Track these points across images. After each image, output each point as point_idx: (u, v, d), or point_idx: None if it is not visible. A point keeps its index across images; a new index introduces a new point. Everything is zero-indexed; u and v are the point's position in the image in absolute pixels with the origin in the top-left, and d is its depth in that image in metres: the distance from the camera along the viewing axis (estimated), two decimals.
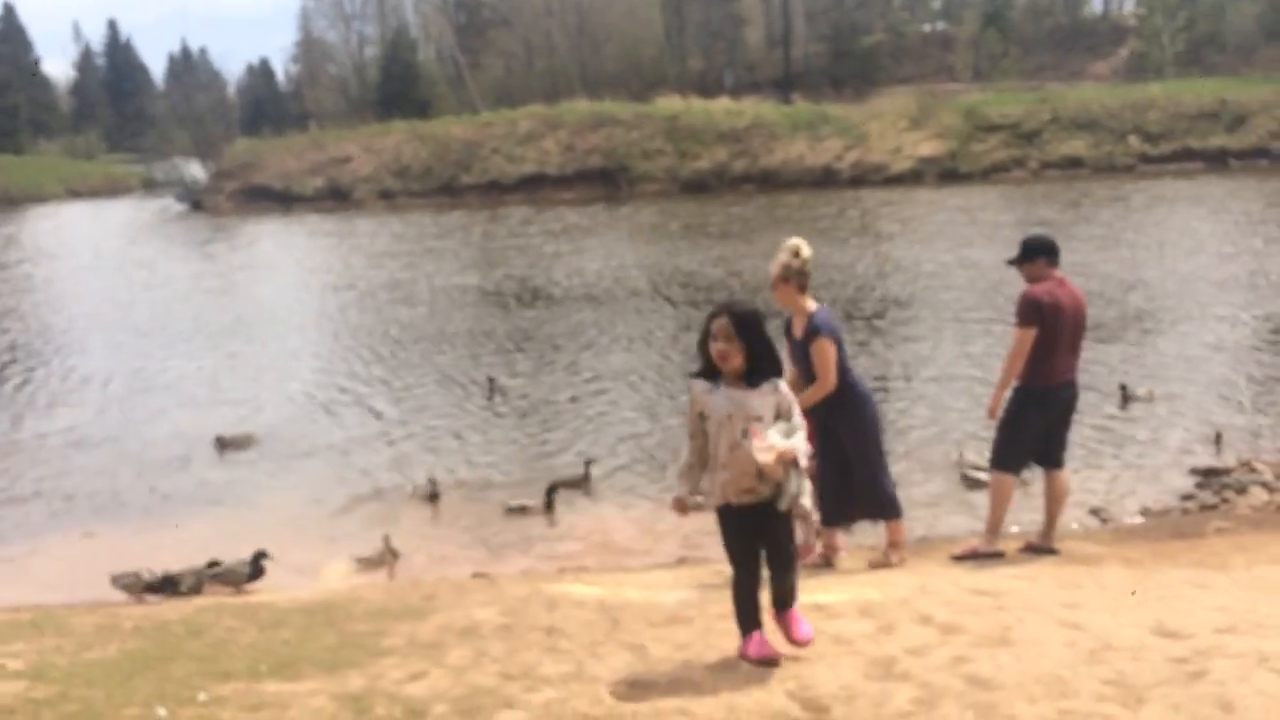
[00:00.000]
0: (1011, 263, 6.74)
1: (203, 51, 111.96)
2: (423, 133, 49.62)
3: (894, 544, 6.62)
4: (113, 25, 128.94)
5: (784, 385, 4.49)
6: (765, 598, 4.56)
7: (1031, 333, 6.39)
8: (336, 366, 15.70)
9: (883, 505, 6.56)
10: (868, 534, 7.48)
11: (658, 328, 17.22)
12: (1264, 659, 4.33)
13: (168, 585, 7.11)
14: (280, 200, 47.26)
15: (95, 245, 36.35)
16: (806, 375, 6.29)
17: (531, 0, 68.08)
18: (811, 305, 6.31)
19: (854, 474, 6.42)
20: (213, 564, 7.45)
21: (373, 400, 13.62)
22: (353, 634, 5.35)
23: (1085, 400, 8.02)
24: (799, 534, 5.91)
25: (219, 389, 14.72)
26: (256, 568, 7.25)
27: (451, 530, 9.17)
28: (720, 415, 4.40)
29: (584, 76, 62.63)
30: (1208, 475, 9.11)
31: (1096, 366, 12.62)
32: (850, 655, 4.61)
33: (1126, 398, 11.53)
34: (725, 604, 5.24)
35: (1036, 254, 6.59)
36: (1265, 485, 8.62)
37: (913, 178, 43.06)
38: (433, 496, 9.66)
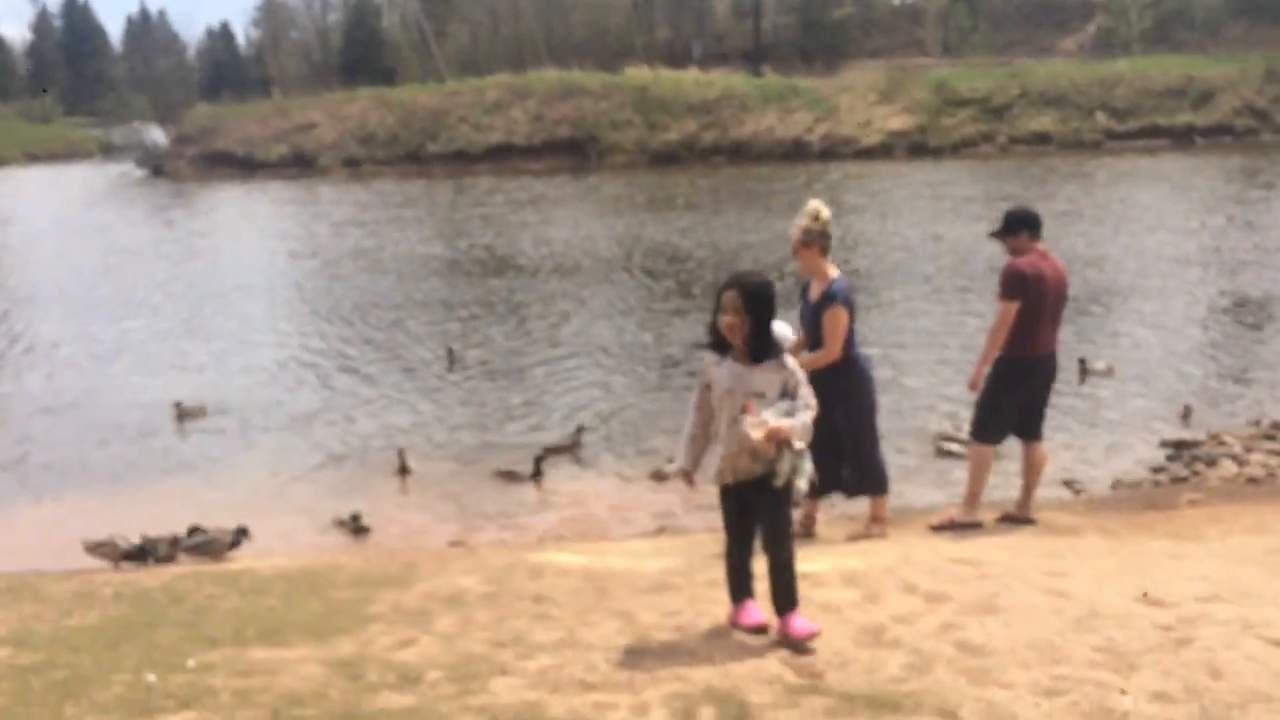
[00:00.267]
0: (994, 235, 6.74)
1: (161, 14, 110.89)
2: (389, 100, 48.92)
3: (877, 518, 6.62)
4: None
5: (792, 361, 4.44)
6: (760, 566, 4.55)
7: (1015, 305, 6.40)
8: (299, 335, 15.48)
9: (871, 481, 6.54)
10: (847, 505, 7.48)
11: (623, 298, 17.16)
12: (1249, 626, 4.40)
13: (144, 553, 7.00)
14: (242, 167, 46.48)
15: (53, 211, 35.67)
16: (813, 340, 6.24)
17: None
18: (834, 272, 6.26)
19: (844, 447, 6.39)
20: (194, 530, 7.34)
21: (337, 369, 13.44)
22: (337, 601, 5.31)
23: None
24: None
25: (180, 356, 14.48)
26: (238, 538, 7.17)
27: (424, 498, 9.09)
28: (722, 389, 4.38)
29: (550, 44, 62.01)
30: (1178, 448, 9.19)
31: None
32: (840, 623, 4.63)
33: (1085, 372, 11.60)
34: (711, 572, 5.25)
35: (1019, 226, 6.59)
36: (1234, 458, 8.71)
37: (882, 151, 43.18)
38: (402, 468, 9.55)
